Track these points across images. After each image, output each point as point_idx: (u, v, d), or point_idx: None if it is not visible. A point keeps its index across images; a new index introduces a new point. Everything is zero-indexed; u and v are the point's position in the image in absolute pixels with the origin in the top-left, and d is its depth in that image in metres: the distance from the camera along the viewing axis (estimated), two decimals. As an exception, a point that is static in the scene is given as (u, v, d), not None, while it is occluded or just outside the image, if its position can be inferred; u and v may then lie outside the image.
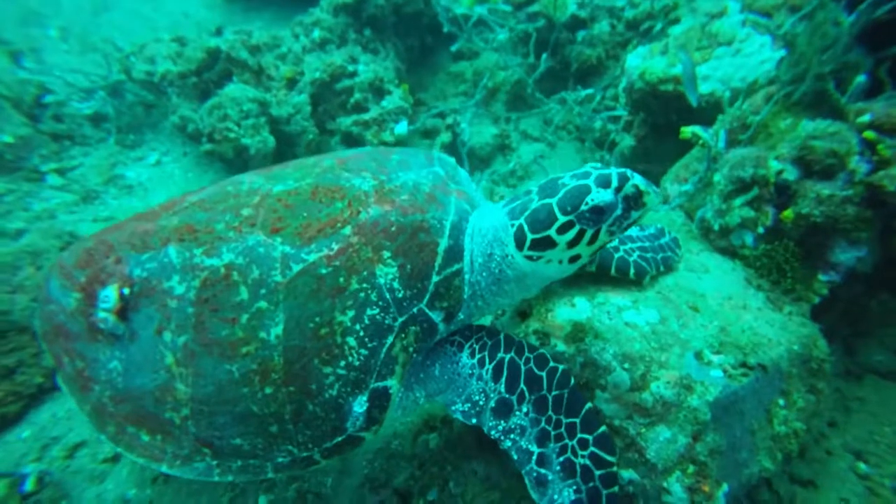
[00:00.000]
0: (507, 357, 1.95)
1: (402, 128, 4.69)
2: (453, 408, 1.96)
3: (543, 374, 1.92)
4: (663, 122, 3.91)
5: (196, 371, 1.85)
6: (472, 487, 2.26)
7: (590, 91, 4.71)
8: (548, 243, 1.87)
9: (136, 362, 1.94)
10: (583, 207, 1.81)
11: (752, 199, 2.81)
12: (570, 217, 1.83)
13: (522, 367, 1.92)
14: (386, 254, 1.84)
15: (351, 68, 4.93)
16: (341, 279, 1.80)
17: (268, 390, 1.78)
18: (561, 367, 1.95)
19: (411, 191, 2.00)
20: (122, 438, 2.00)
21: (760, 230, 2.77)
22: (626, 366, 2.09)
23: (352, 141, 4.88)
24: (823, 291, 2.68)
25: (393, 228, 1.88)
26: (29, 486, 2.95)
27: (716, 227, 2.95)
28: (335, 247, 1.83)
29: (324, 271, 1.80)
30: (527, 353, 1.96)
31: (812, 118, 2.85)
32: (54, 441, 3.31)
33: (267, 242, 1.86)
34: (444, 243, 1.93)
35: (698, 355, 2.17)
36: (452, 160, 2.38)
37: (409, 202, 1.96)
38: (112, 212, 5.11)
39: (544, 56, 4.84)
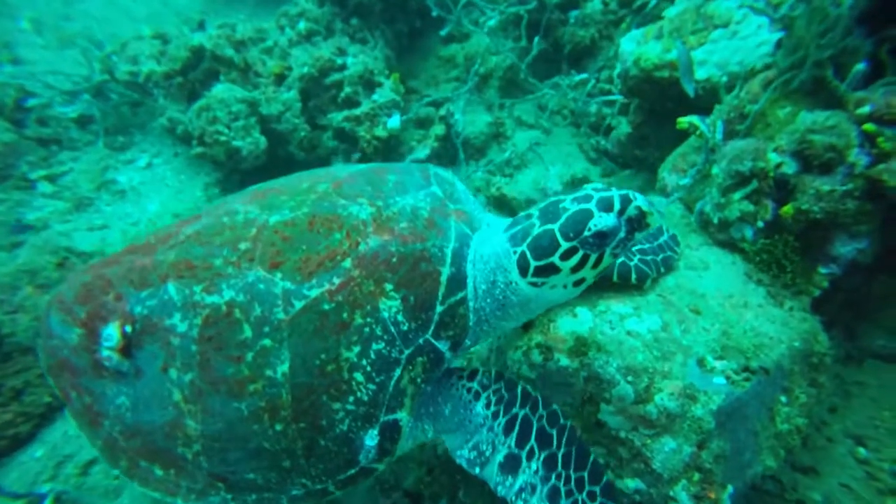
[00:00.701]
0: (522, 413, 1.95)
1: (394, 122, 4.62)
2: (459, 453, 1.98)
3: (554, 431, 1.94)
4: (660, 108, 3.85)
5: (204, 408, 1.86)
6: (482, 499, 2.31)
7: (584, 76, 4.63)
8: (551, 269, 1.86)
9: (143, 398, 1.95)
10: (586, 233, 1.80)
11: (751, 192, 2.79)
12: (574, 243, 1.82)
13: (535, 425, 1.93)
14: (388, 286, 1.84)
15: (340, 61, 4.82)
16: (345, 314, 1.79)
17: (278, 427, 1.79)
18: (569, 422, 1.97)
19: (410, 217, 1.98)
20: (135, 473, 2.03)
21: (760, 224, 2.76)
22: (630, 378, 2.11)
23: (344, 136, 4.81)
24: (824, 284, 2.69)
25: (394, 259, 1.87)
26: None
27: (715, 221, 2.94)
28: (336, 281, 1.82)
29: (326, 307, 1.80)
30: (540, 410, 1.96)
31: (811, 106, 2.81)
32: (68, 459, 3.36)
33: (267, 278, 1.84)
34: (446, 272, 1.91)
35: (701, 362, 2.19)
36: (450, 175, 2.35)
37: (409, 230, 1.94)
38: (106, 219, 5.07)
39: (536, 39, 4.73)
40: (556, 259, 1.84)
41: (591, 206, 1.82)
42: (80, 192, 5.36)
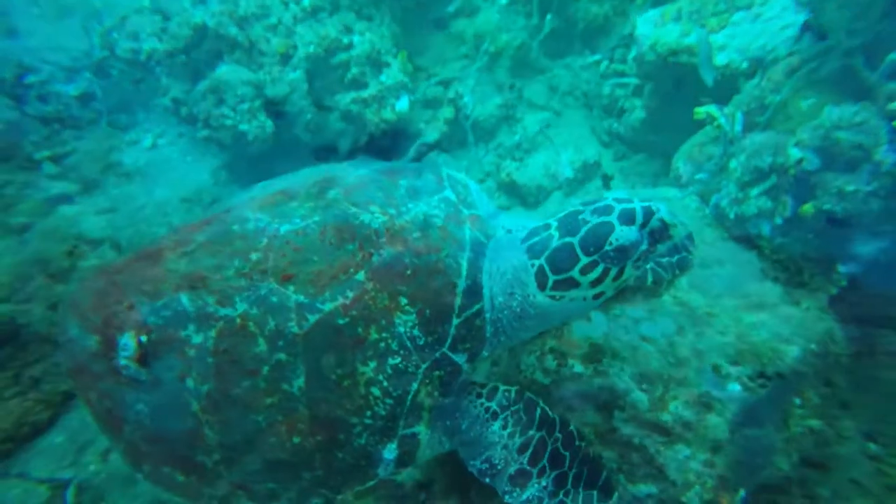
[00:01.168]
0: (538, 436, 1.96)
1: (403, 104, 4.53)
2: (471, 462, 1.99)
3: (567, 453, 1.95)
4: (676, 93, 3.73)
5: (222, 419, 1.88)
6: (493, 501, 2.35)
7: (597, 57, 4.48)
8: (571, 283, 1.83)
9: (162, 407, 1.97)
10: (606, 247, 1.76)
11: (770, 188, 2.73)
12: (594, 257, 1.78)
13: (549, 447, 1.94)
14: (403, 300, 1.82)
15: (346, 40, 4.68)
16: (360, 329, 1.78)
17: (295, 440, 1.81)
18: (584, 444, 1.98)
19: (423, 226, 1.95)
20: (158, 478, 2.06)
21: (778, 221, 2.70)
22: (645, 386, 2.11)
23: (352, 119, 4.72)
24: (842, 283, 2.65)
25: (408, 272, 1.84)
26: (70, 497, 3.09)
27: (731, 216, 2.88)
28: (350, 295, 1.80)
29: (341, 322, 1.79)
30: (556, 433, 1.97)
31: (837, 98, 2.71)
32: (87, 445, 3.43)
33: (280, 291, 1.83)
34: (462, 284, 1.89)
35: (716, 369, 2.18)
36: (463, 176, 2.30)
37: (423, 240, 1.91)
38: (113, 202, 5.04)
39: (549, 17, 4.57)
40: (575, 273, 1.80)
41: (612, 218, 1.77)
42: (85, 174, 5.32)
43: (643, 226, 1.76)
